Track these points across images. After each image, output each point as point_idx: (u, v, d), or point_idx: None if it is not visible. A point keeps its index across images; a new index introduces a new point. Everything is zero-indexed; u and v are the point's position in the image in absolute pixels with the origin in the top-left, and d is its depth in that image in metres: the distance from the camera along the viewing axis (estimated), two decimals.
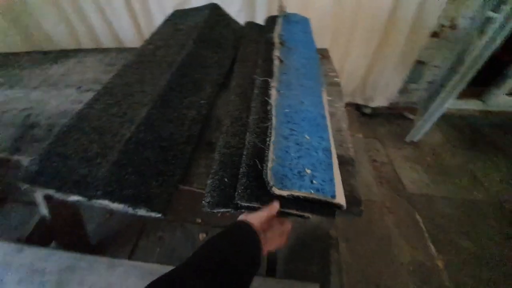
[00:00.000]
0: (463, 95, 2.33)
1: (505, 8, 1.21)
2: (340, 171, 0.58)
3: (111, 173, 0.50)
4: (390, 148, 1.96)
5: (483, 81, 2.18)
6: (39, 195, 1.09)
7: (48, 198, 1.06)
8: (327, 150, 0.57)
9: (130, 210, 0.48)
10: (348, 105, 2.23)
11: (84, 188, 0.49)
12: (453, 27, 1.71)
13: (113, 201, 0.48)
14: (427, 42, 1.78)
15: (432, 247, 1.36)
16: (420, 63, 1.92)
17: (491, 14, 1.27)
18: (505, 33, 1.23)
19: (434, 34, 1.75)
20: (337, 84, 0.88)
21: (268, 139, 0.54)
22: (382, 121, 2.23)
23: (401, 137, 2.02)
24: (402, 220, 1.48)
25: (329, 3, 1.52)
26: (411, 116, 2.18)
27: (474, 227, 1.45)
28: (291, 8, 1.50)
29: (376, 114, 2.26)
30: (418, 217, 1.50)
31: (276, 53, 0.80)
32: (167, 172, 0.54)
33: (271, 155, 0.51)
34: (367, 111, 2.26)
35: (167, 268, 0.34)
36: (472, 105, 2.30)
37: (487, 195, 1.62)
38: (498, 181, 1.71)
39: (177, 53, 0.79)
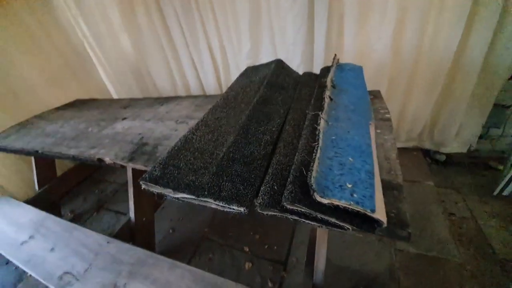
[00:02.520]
0: None
1: None
2: (386, 195, 0.62)
3: (212, 180, 0.70)
4: (472, 202, 1.66)
5: None
6: (131, 202, 1.42)
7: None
8: (370, 172, 0.62)
9: (226, 206, 0.65)
10: (415, 149, 2.08)
11: (194, 189, 0.69)
12: None
13: (215, 200, 0.66)
14: (506, 85, 1.61)
15: None
16: (500, 106, 1.71)
17: None
18: None
19: None
20: (388, 120, 0.93)
21: (314, 155, 0.64)
22: (460, 170, 1.94)
23: (486, 190, 1.70)
24: None
25: (388, 52, 1.63)
26: (499, 167, 1.83)
27: None
28: (349, 59, 1.71)
29: (453, 162, 2.00)
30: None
31: (327, 93, 0.94)
32: (250, 179, 0.70)
33: (315, 168, 0.61)
34: (441, 158, 2.03)
35: (218, 278, 0.44)
36: None
37: None
38: None
39: (253, 96, 1.04)
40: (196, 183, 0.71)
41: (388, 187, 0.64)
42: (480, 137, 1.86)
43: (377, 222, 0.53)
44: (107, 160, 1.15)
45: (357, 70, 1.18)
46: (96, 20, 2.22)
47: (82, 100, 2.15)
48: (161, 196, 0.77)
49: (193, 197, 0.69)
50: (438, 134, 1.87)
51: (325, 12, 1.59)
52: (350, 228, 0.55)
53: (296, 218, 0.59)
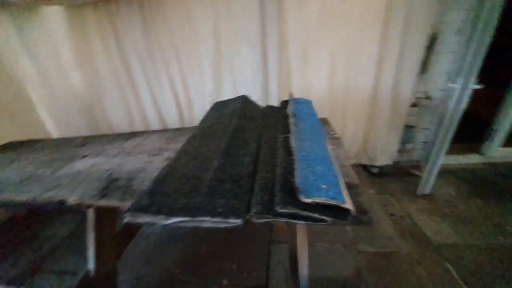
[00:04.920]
0: (463, 150, 2.58)
1: (460, 80, 1.62)
2: (348, 192, 0.80)
3: (205, 200, 0.75)
4: (404, 203, 2.05)
5: (479, 137, 2.48)
6: (91, 250, 1.27)
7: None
8: (335, 176, 0.80)
9: (223, 221, 0.70)
10: (356, 165, 2.48)
11: (189, 211, 0.73)
12: (429, 98, 2.15)
13: (212, 216, 0.70)
14: (410, 111, 2.20)
15: None
16: (410, 127, 2.28)
17: (451, 85, 1.68)
18: (465, 97, 1.60)
19: (414, 105, 2.18)
20: (337, 138, 1.19)
21: (293, 166, 0.79)
22: (390, 179, 2.39)
23: (412, 192, 2.14)
24: (433, 270, 1.44)
25: (325, 89, 2.05)
26: (417, 173, 2.35)
27: (508, 270, 1.38)
28: (297, 95, 2.05)
29: (384, 173, 2.45)
30: (449, 266, 1.46)
31: (291, 120, 1.15)
32: (240, 195, 0.78)
33: (296, 178, 0.76)
34: (375, 170, 2.47)
35: None
36: (474, 159, 2.49)
37: None
38: None
39: (227, 126, 1.16)
40: (190, 205, 0.76)
41: (348, 187, 0.83)
42: (400, 151, 2.39)
43: (348, 211, 0.69)
44: (71, 201, 1.05)
45: (308, 103, 1.47)
46: (42, 55, 2.09)
47: (18, 142, 1.89)
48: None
49: (189, 218, 0.73)
50: (370, 151, 2.32)
51: (275, 59, 1.95)
52: (329, 219, 0.69)
53: (286, 220, 0.70)
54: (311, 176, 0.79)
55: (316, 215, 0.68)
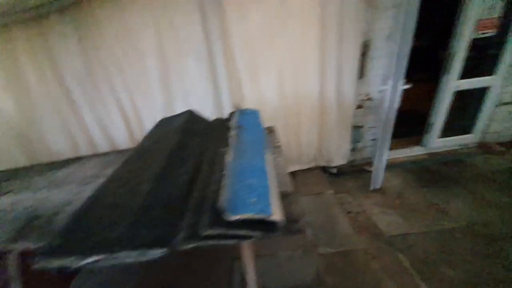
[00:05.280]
0: (408, 143, 2.83)
1: (390, 82, 1.78)
2: (282, 202, 0.79)
3: (128, 231, 0.68)
4: (360, 199, 2.16)
5: (421, 130, 2.74)
6: None
7: None
8: (267, 187, 0.80)
9: (145, 253, 0.63)
10: (316, 168, 2.56)
11: (105, 247, 0.65)
12: (370, 99, 2.33)
13: (132, 249, 0.63)
14: (356, 112, 2.35)
15: (422, 283, 1.36)
16: (358, 127, 2.43)
17: (383, 87, 1.83)
18: (396, 97, 1.76)
19: (359, 106, 2.35)
20: (279, 147, 1.20)
21: (221, 183, 0.77)
22: (348, 177, 2.52)
23: (366, 188, 2.26)
24: (387, 263, 1.51)
25: (276, 98, 2.10)
26: (369, 169, 2.51)
27: (453, 254, 1.51)
28: (250, 104, 2.08)
29: (342, 172, 2.57)
30: (401, 256, 1.54)
31: (233, 132, 1.14)
32: (169, 220, 0.72)
33: (225, 195, 0.73)
34: (333, 171, 2.58)
35: None
36: (418, 151, 2.73)
37: (456, 222, 1.76)
38: (461, 208, 1.89)
39: (169, 143, 1.09)
40: (110, 240, 0.69)
41: (283, 196, 0.83)
42: (352, 150, 2.53)
43: (276, 223, 0.68)
44: None
45: (255, 113, 1.48)
46: None
47: None
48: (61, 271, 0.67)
49: (106, 255, 0.66)
50: (326, 154, 2.42)
51: (224, 71, 1.95)
52: (258, 234, 0.67)
53: (214, 242, 0.67)
54: (242, 191, 0.77)
55: (243, 232, 0.66)
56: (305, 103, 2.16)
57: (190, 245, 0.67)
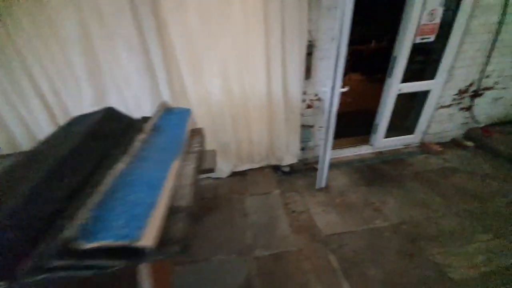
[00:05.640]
0: (357, 142, 2.93)
1: (330, 83, 1.78)
2: (170, 219, 0.72)
3: None
4: (307, 198, 2.19)
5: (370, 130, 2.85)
6: None
7: None
8: (152, 205, 0.72)
9: None
10: (267, 167, 2.55)
11: None
12: (319, 99, 2.34)
13: None
14: (306, 112, 2.36)
15: (345, 283, 1.41)
16: (308, 126, 2.45)
17: (324, 89, 1.84)
18: (335, 99, 1.77)
19: (309, 106, 2.35)
20: (195, 152, 1.12)
21: (90, 201, 0.67)
22: (299, 175, 2.54)
23: (314, 186, 2.30)
24: (317, 264, 1.55)
25: (222, 94, 2.01)
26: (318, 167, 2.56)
27: (379, 253, 1.59)
28: (194, 101, 1.97)
29: (294, 171, 2.59)
30: (331, 257, 1.59)
31: (141, 136, 1.03)
32: (19, 248, 0.60)
33: (86, 216, 0.63)
34: (286, 169, 2.58)
35: None
36: (366, 150, 2.85)
37: (388, 221, 1.86)
38: (394, 207, 2.00)
39: (64, 148, 0.95)
40: None
41: (175, 212, 0.75)
42: (303, 149, 2.56)
43: (144, 250, 0.60)
44: None
45: (184, 113, 1.38)
46: None
47: None
48: None
49: None
50: (277, 152, 2.40)
51: (162, 65, 1.80)
52: (120, 263, 0.59)
53: (64, 274, 0.58)
54: (114, 210, 0.68)
55: (101, 263, 0.58)
56: (253, 101, 2.11)
57: (36, 278, 0.57)
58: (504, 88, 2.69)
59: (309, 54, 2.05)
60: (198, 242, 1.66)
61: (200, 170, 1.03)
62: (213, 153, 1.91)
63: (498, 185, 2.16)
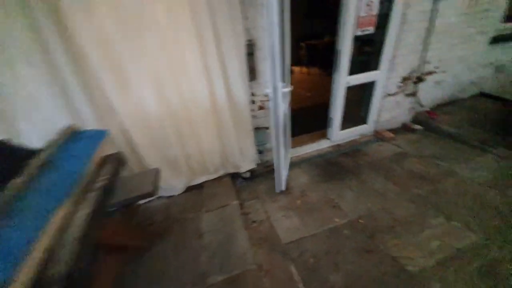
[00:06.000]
0: (317, 137, 2.91)
1: (271, 85, 1.67)
2: None
3: None
4: (268, 204, 2.08)
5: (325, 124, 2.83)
6: None
7: None
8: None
9: None
10: (225, 176, 2.38)
11: None
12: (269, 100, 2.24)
13: None
14: (259, 114, 2.24)
15: None
16: (263, 128, 2.34)
17: (268, 91, 1.72)
18: (279, 101, 1.67)
19: (261, 107, 2.24)
20: (98, 189, 0.92)
21: None
22: (261, 180, 2.42)
23: (275, 190, 2.20)
24: (278, 279, 1.44)
25: (158, 105, 1.79)
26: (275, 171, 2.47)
27: (339, 255, 1.53)
28: (125, 116, 1.72)
29: (256, 175, 2.47)
30: (292, 268, 1.49)
31: (18, 180, 0.80)
32: None
33: None
34: (247, 175, 2.45)
35: None
36: (325, 144, 2.84)
37: (346, 217, 1.82)
38: (352, 200, 1.98)
39: None
40: None
41: (44, 285, 0.56)
42: (260, 152, 2.45)
43: None
44: None
45: (95, 137, 1.15)
46: None
47: None
48: None
49: None
50: (232, 160, 2.26)
51: (75, 79, 1.54)
52: None
53: None
54: None
55: None
56: (197, 109, 1.92)
57: None
58: (444, 72, 2.86)
59: (251, 54, 1.92)
60: (141, 284, 1.45)
61: (98, 213, 0.83)
62: (154, 173, 1.70)
63: (446, 165, 2.27)
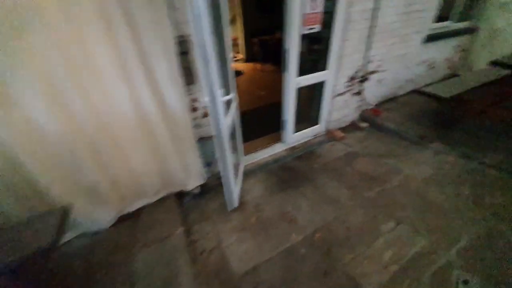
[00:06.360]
0: (272, 141, 2.75)
1: (209, 93, 1.41)
2: None
3: None
4: (219, 225, 1.83)
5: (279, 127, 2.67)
6: None
7: None
8: None
9: None
10: (169, 196, 2.04)
11: None
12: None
13: None
14: (203, 121, 1.95)
15: None
16: (208, 138, 2.05)
17: (204, 99, 1.43)
18: (219, 111, 1.42)
19: (205, 115, 1.94)
20: None
21: None
22: (212, 195, 2.15)
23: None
24: None
25: (61, 128, 1.35)
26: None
27: (297, 280, 1.40)
28: (12, 143, 1.25)
29: (207, 190, 2.18)
30: None
31: None
32: None
33: None
34: (196, 191, 2.15)
35: None
36: (279, 148, 2.70)
37: (302, 232, 1.70)
38: (308, 212, 1.87)
39: None
40: None
41: None
42: (209, 164, 2.17)
43: None
44: None
45: None
46: None
47: None
48: None
49: None
50: (175, 177, 1.93)
51: None
52: None
53: None
54: None
55: None
56: (118, 123, 1.53)
57: None
58: (384, 70, 2.97)
59: (184, 53, 1.60)
60: None
61: None
62: (59, 214, 1.29)
63: (392, 162, 2.35)
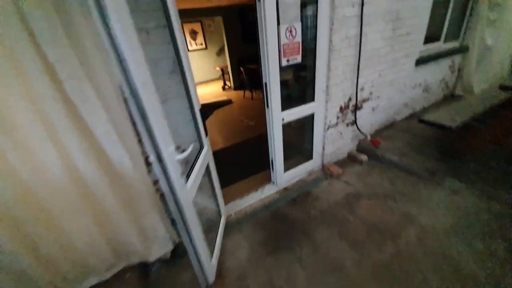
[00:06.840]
0: (261, 182, 2.40)
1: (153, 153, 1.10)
2: None
3: None
4: None
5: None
6: None
7: None
8: None
9: None
10: (129, 270, 1.62)
11: None
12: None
13: None
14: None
15: None
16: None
17: (151, 158, 1.12)
18: (172, 176, 1.09)
19: None
20: None
21: None
22: (186, 260, 1.73)
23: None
24: None
25: None
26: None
27: None
28: None
29: (180, 253, 1.77)
30: None
31: None
32: None
33: None
34: (166, 256, 1.74)
35: None
36: (270, 190, 2.34)
37: None
38: (302, 282, 1.45)
39: None
40: None
41: None
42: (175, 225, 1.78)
43: None
44: None
45: None
46: None
47: None
48: None
49: None
50: (132, 248, 1.53)
51: None
52: None
53: None
54: None
55: None
56: (47, 190, 1.18)
57: None
58: (378, 97, 2.73)
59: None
60: None
61: None
62: None
63: (400, 206, 1.97)
